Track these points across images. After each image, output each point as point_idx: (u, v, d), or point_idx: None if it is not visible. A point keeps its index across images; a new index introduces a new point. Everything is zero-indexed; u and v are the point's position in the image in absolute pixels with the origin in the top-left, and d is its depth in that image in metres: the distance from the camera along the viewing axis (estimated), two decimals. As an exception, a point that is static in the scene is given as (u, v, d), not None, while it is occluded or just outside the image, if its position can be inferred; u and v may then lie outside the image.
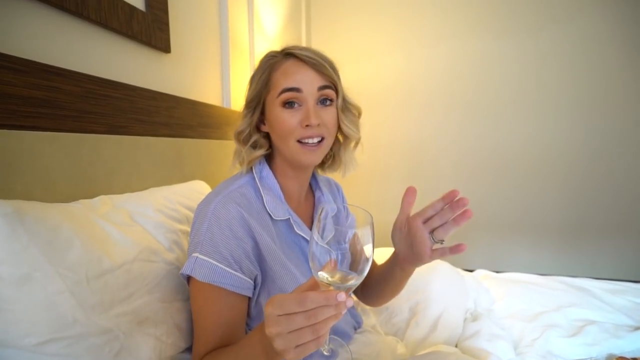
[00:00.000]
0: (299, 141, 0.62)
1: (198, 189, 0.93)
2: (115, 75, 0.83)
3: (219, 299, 0.54)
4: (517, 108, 2.03)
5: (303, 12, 2.19)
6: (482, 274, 1.28)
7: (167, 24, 1.00)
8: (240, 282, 0.54)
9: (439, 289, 0.90)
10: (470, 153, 2.13)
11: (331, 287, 0.39)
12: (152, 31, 0.95)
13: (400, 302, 0.85)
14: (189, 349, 0.67)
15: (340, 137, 0.73)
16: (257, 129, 0.68)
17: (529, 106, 2.02)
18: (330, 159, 0.76)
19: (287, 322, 0.35)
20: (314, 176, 0.78)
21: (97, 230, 0.56)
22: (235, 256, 0.54)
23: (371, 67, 2.21)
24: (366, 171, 2.04)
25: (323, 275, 0.39)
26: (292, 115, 0.61)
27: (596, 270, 1.96)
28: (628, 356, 0.80)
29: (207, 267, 0.53)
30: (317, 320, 0.34)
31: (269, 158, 0.70)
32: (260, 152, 0.67)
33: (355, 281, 0.40)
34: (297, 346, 0.35)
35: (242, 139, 0.66)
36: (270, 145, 0.69)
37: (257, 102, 0.65)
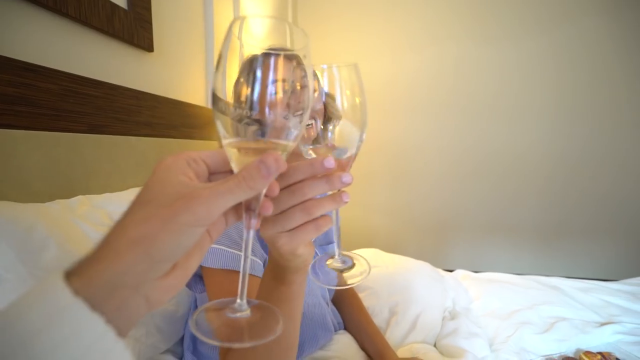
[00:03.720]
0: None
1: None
2: (96, 73, 0.81)
3: (227, 281, 0.53)
4: (500, 113, 2.10)
5: (290, 14, 2.19)
6: (461, 274, 1.31)
7: (150, 22, 0.99)
8: (251, 263, 0.54)
9: (419, 290, 0.92)
10: (455, 156, 2.18)
11: None
12: (135, 29, 0.94)
13: (381, 303, 0.87)
14: (168, 351, 0.66)
15: None
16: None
17: (511, 111, 2.09)
18: None
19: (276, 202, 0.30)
20: None
21: (74, 230, 0.55)
22: (239, 238, 0.55)
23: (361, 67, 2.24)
24: (352, 174, 2.06)
25: (306, 147, 0.34)
26: None
27: (570, 270, 2.05)
28: (594, 350, 0.84)
29: (219, 254, 0.53)
30: (305, 196, 0.29)
31: None
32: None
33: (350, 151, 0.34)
34: (290, 230, 0.30)
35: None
36: None
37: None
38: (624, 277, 1.29)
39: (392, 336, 0.81)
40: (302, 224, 0.30)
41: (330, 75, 0.33)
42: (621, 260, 2.08)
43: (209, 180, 0.28)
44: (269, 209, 0.27)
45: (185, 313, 0.69)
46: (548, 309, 1.01)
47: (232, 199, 0.23)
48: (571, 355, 0.85)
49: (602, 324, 0.94)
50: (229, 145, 0.26)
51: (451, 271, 1.33)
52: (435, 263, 1.37)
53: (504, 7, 2.02)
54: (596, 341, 0.88)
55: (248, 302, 0.29)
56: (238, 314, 0.28)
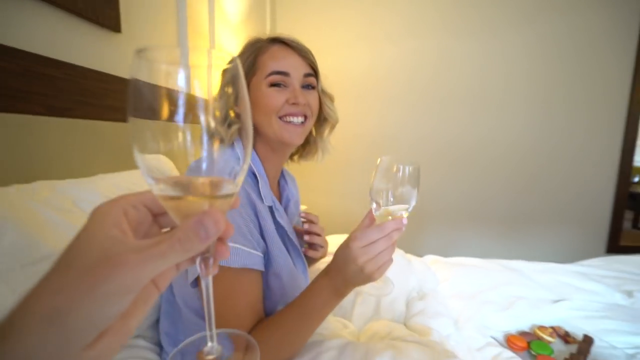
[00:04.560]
0: (281, 118, 0.64)
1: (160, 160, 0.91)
2: (58, 53, 0.78)
3: (245, 279, 0.53)
4: (473, 106, 2.17)
5: (268, 2, 2.15)
6: (431, 259, 1.37)
7: (116, 1, 0.95)
8: (256, 258, 0.55)
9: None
10: (429, 148, 2.25)
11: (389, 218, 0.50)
12: (100, 8, 0.90)
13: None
14: (140, 336, 0.66)
15: (314, 127, 0.77)
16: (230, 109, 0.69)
17: (484, 104, 2.17)
18: (304, 148, 0.80)
19: (373, 248, 0.47)
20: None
21: (34, 215, 0.53)
22: (250, 235, 0.55)
23: (336, 60, 2.24)
24: (330, 163, 2.09)
25: (379, 214, 0.51)
26: (279, 93, 0.64)
27: (533, 255, 2.18)
28: (547, 325, 0.91)
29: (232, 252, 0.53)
30: (392, 240, 0.48)
31: None
32: (237, 126, 0.68)
33: (411, 206, 0.52)
34: (380, 266, 0.48)
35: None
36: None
37: None
38: (578, 260, 1.39)
39: (359, 315, 0.84)
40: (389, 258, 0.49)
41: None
42: (577, 245, 2.25)
43: (155, 223, 0.26)
44: (226, 253, 0.26)
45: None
46: (509, 289, 1.08)
47: (164, 264, 0.21)
48: (527, 330, 0.92)
49: (555, 301, 1.01)
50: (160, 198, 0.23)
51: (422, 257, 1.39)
52: (411, 250, 1.43)
53: (482, 1, 2.07)
54: (549, 317, 0.95)
55: (220, 336, 0.29)
56: (210, 357, 0.27)
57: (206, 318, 0.28)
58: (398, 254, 1.16)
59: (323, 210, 2.24)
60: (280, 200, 0.76)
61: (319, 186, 2.35)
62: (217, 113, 0.24)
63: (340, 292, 0.51)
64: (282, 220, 0.68)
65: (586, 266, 1.28)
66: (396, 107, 2.23)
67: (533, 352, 0.81)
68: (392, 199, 0.50)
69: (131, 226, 0.23)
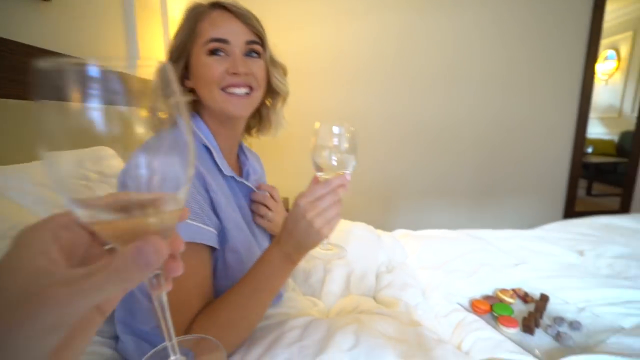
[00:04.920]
0: (224, 90, 0.60)
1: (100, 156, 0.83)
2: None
3: (193, 256, 0.50)
4: (437, 82, 2.19)
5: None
6: (400, 233, 1.39)
7: (40, -37, 0.84)
8: (206, 233, 0.52)
9: (353, 248, 0.96)
10: (397, 124, 2.25)
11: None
12: (19, -30, 0.78)
13: (315, 263, 0.89)
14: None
15: (269, 99, 0.73)
16: (181, 84, 0.63)
17: (447, 80, 2.19)
18: (259, 122, 0.77)
19: (320, 202, 0.47)
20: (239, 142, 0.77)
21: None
22: (199, 209, 0.52)
23: (299, 38, 2.15)
24: (292, 141, 2.06)
25: (323, 175, 0.52)
26: (218, 62, 0.59)
27: (498, 224, 2.30)
28: (508, 287, 0.96)
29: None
30: (339, 196, 0.48)
31: (199, 115, 0.66)
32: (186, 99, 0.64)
33: (351, 166, 0.53)
34: (328, 221, 0.47)
35: None
36: (197, 106, 0.65)
37: (181, 52, 0.61)
38: (538, 225, 1.47)
39: (329, 292, 0.84)
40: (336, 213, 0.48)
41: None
42: (537, 212, 2.39)
43: (95, 241, 0.22)
44: (179, 270, 0.24)
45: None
46: (474, 257, 1.12)
47: (99, 296, 0.18)
48: (490, 294, 0.96)
49: (516, 265, 1.06)
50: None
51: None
52: (383, 226, 1.44)
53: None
54: (511, 280, 1.00)
55: (181, 344, 0.28)
56: None
57: (164, 331, 0.25)
58: (367, 230, 1.17)
59: (293, 192, 2.21)
60: (240, 175, 0.73)
61: (279, 165, 2.31)
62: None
63: (291, 258, 0.50)
64: (246, 194, 0.66)
65: (545, 230, 1.35)
66: (363, 85, 2.21)
67: (495, 314, 0.85)
68: (334, 163, 0.51)
69: (64, 251, 0.20)
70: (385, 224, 1.87)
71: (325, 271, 0.89)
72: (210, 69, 0.59)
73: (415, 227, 1.82)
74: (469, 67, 2.17)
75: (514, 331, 0.79)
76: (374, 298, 0.93)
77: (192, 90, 0.63)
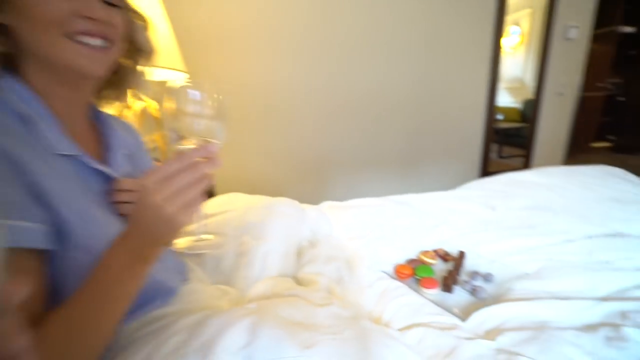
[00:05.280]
0: (70, 38, 0.43)
1: None
2: None
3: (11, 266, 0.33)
4: (362, 52, 2.15)
5: None
6: (327, 205, 1.34)
7: None
8: (25, 233, 0.37)
9: (274, 226, 0.87)
10: (319, 96, 2.17)
11: None
12: None
13: (227, 247, 0.78)
14: None
15: (129, 58, 0.58)
16: None
17: (368, 50, 2.16)
18: (114, 84, 0.59)
19: (170, 182, 0.35)
20: (93, 109, 0.59)
21: None
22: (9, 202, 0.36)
23: (223, 7, 1.90)
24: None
25: (184, 147, 0.40)
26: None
27: (426, 188, 2.42)
28: (430, 249, 0.96)
29: None
30: (199, 173, 0.36)
31: (15, 71, 0.46)
32: None
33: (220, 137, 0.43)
34: (184, 205, 0.36)
35: None
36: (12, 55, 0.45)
37: None
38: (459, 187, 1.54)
39: (245, 277, 0.74)
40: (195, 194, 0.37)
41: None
42: (457, 174, 2.57)
43: None
44: None
45: None
46: (399, 222, 1.11)
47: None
48: (414, 257, 0.95)
49: (436, 226, 1.08)
50: None
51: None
52: (312, 200, 1.37)
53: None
54: (433, 241, 1.01)
55: None
56: None
57: None
58: (291, 205, 1.08)
59: (223, 171, 2.03)
60: (100, 150, 0.56)
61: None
62: None
63: (141, 255, 0.39)
64: (101, 176, 0.50)
65: (463, 190, 1.42)
66: (285, 55, 2.06)
67: (417, 277, 0.84)
68: (198, 129, 0.41)
69: None
70: (317, 198, 1.82)
71: (238, 254, 0.78)
72: (49, 4, 0.41)
73: (347, 198, 1.81)
74: (388, 38, 2.16)
75: (435, 292, 0.78)
76: (295, 277, 0.85)
77: (4, 31, 0.44)
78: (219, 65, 1.88)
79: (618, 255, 0.82)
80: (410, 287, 0.80)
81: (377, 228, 1.08)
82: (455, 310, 0.70)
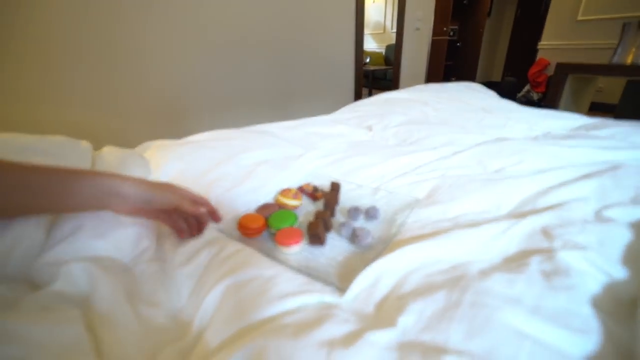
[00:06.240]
0: None
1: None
2: None
3: None
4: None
5: None
6: (155, 145, 0.87)
7: None
8: None
9: None
10: (187, 35, 1.58)
11: None
12: None
13: None
14: None
15: None
16: None
17: None
18: None
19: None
20: None
21: None
22: None
23: None
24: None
25: None
26: None
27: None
28: (294, 186, 0.65)
29: None
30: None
31: None
32: None
33: None
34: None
35: None
36: None
37: None
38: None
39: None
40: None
41: None
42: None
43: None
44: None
45: None
46: (249, 155, 0.75)
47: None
48: (271, 201, 0.63)
49: (301, 155, 0.77)
50: None
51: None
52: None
53: None
54: (298, 174, 0.70)
55: None
56: None
57: None
58: (56, 145, 0.58)
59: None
60: None
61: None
62: None
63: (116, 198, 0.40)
64: None
65: (335, 114, 1.15)
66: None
67: (272, 230, 0.51)
68: None
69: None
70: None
71: None
72: None
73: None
74: None
75: (298, 248, 0.48)
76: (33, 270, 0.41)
77: None
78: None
79: (507, 161, 0.68)
80: (260, 248, 0.47)
81: (219, 165, 0.70)
82: (332, 279, 0.41)
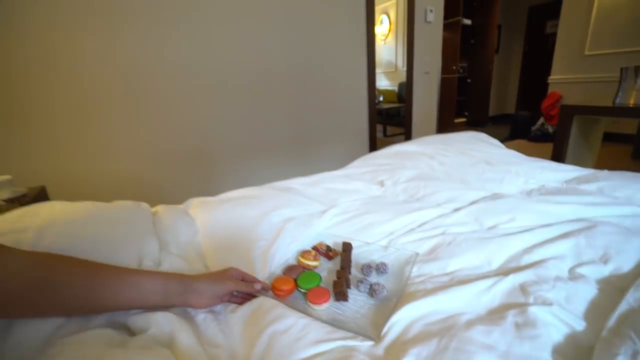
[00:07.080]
0: None
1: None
2: None
3: None
4: (239, 33, 1.90)
5: None
6: (195, 202, 1.03)
7: None
8: None
9: (96, 242, 0.54)
10: (198, 80, 1.82)
11: None
12: None
13: None
14: None
15: None
16: None
17: (250, 31, 1.93)
18: None
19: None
20: None
21: None
22: None
23: None
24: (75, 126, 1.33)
25: None
26: None
27: (317, 170, 2.33)
28: (309, 247, 0.77)
29: None
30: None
31: None
32: None
33: None
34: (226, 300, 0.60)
35: None
36: None
37: None
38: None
39: None
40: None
41: None
42: (349, 155, 2.55)
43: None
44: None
45: None
46: (278, 213, 0.89)
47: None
48: (293, 262, 0.74)
49: (324, 212, 0.90)
50: None
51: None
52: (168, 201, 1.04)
53: None
54: (317, 233, 0.83)
55: None
56: None
57: None
58: (130, 211, 0.74)
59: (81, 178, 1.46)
60: None
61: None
62: None
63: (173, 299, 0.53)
64: None
65: (350, 168, 1.29)
66: (148, 34, 1.60)
67: (302, 290, 0.63)
68: None
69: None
70: (203, 191, 1.49)
71: None
72: None
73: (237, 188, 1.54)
74: (268, 23, 2.00)
75: (328, 305, 0.59)
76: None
77: None
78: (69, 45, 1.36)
79: (500, 218, 0.79)
80: (293, 306, 0.58)
81: (251, 225, 0.84)
82: (369, 329, 0.52)
